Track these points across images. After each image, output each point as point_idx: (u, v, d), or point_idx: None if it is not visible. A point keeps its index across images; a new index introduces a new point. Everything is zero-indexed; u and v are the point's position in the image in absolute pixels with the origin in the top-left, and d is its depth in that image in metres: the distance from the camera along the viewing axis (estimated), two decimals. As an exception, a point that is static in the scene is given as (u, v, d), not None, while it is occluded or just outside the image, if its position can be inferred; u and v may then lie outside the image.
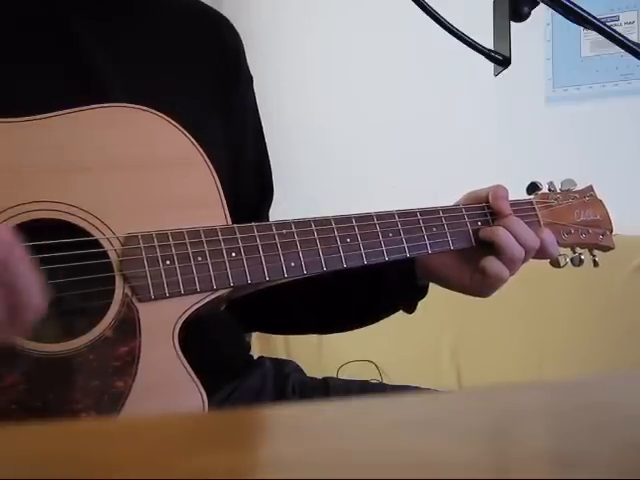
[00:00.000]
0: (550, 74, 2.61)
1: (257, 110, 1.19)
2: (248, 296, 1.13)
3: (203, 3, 1.22)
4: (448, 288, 1.12)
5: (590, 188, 1.20)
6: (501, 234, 1.05)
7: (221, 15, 1.18)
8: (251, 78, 1.18)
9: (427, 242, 1.04)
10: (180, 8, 1.14)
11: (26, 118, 0.87)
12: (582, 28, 1.00)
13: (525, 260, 1.07)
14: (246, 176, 1.14)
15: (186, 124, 0.93)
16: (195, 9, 1.17)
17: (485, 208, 1.09)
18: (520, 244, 1.05)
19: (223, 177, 0.94)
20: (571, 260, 1.15)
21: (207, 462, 0.33)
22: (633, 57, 0.92)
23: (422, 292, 1.15)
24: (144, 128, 0.92)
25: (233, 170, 1.06)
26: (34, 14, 1.00)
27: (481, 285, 1.07)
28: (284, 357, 1.29)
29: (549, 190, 1.16)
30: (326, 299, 1.17)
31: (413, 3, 0.91)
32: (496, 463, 0.35)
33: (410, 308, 1.15)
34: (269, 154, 1.20)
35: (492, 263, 1.04)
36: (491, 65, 0.97)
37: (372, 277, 1.13)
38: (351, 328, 1.22)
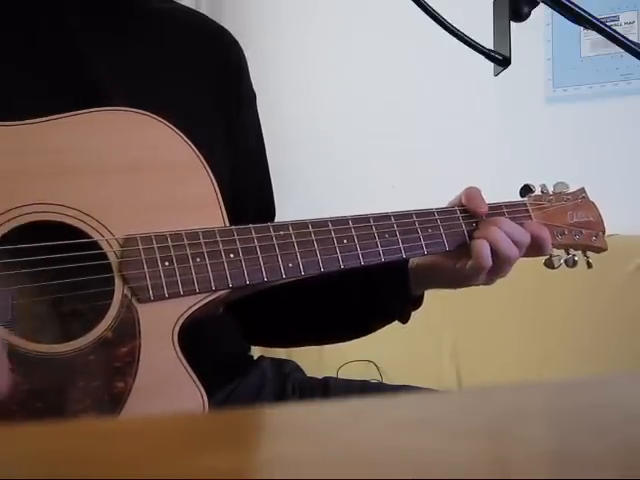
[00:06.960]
0: (550, 74, 2.61)
1: (260, 128, 1.18)
2: (245, 310, 1.12)
3: (207, 17, 1.21)
4: (440, 285, 1.12)
5: (582, 190, 1.20)
6: (483, 246, 1.05)
7: (225, 30, 1.17)
8: (254, 96, 1.17)
9: (423, 243, 1.04)
10: (184, 21, 1.13)
11: (25, 122, 0.87)
12: (582, 28, 1.00)
13: (520, 252, 1.07)
14: (246, 195, 1.13)
15: (186, 136, 0.93)
16: (199, 23, 1.16)
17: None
18: (513, 242, 1.05)
19: (223, 192, 0.94)
20: (565, 261, 1.16)
21: (207, 462, 0.33)
22: (633, 57, 0.92)
23: (416, 302, 1.14)
24: (143, 132, 0.92)
25: (233, 186, 1.06)
26: (33, 19, 1.00)
27: (471, 269, 1.05)
28: (284, 357, 1.29)
29: (542, 192, 1.16)
30: (320, 307, 1.16)
31: (413, 3, 0.91)
32: (496, 463, 0.35)
33: (404, 318, 1.15)
34: (270, 155, 1.19)
35: (477, 243, 1.04)
36: (491, 65, 0.97)
37: (364, 285, 1.12)
38: (344, 339, 1.22)
